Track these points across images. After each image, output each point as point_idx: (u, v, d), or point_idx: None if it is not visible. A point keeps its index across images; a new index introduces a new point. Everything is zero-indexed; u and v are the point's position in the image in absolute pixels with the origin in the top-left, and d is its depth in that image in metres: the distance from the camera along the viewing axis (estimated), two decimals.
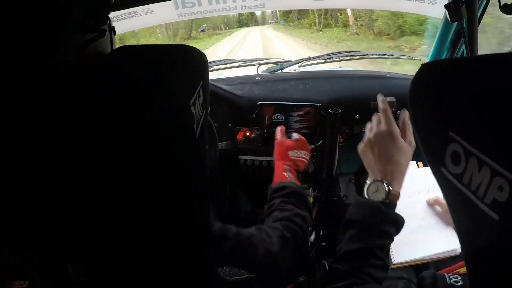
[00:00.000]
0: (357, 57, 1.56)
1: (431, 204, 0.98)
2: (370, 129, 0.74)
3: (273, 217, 0.75)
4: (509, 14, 0.75)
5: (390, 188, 0.64)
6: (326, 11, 14.38)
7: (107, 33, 0.38)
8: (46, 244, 0.29)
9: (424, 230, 0.92)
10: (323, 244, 1.17)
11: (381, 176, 0.67)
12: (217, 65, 1.47)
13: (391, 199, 0.65)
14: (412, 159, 1.17)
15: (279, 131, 1.01)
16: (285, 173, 0.88)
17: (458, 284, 0.57)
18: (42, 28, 0.31)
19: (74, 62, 0.34)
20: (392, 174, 0.67)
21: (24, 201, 0.26)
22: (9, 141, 0.25)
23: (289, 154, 0.94)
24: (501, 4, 0.76)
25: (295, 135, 1.01)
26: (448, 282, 0.59)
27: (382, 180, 0.66)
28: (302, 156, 0.95)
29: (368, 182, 0.69)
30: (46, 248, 0.30)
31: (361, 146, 0.75)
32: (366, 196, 0.66)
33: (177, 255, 0.35)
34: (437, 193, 0.98)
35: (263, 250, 0.60)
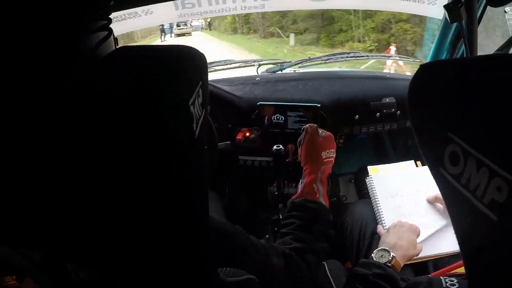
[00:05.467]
0: (357, 58, 1.56)
1: (431, 201, 0.99)
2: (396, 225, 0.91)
3: (284, 243, 0.66)
4: (496, 7, 0.75)
5: (394, 256, 0.77)
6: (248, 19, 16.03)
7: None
8: (49, 243, 0.29)
9: (425, 227, 0.93)
10: None
11: (389, 248, 0.80)
12: (217, 65, 1.48)
13: (394, 264, 0.76)
14: (411, 159, 1.18)
15: (314, 126, 0.85)
16: (315, 185, 0.75)
17: (454, 287, 0.57)
18: (52, 29, 0.31)
19: (85, 59, 0.34)
20: (399, 252, 0.80)
21: (25, 200, 0.26)
22: (9, 141, 0.25)
23: (322, 156, 0.80)
24: None
25: (321, 132, 0.85)
26: (444, 285, 0.59)
27: (388, 250, 0.79)
28: (331, 155, 0.82)
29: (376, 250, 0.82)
30: (49, 247, 0.30)
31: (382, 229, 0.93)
32: (374, 258, 0.78)
33: (177, 255, 0.35)
34: (436, 190, 0.98)
35: (264, 264, 0.57)
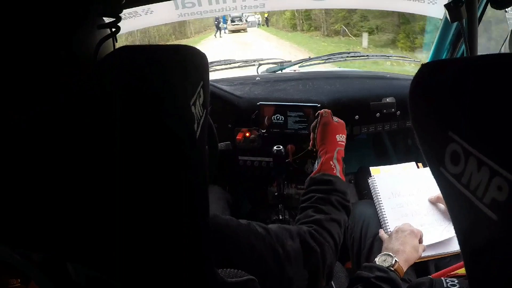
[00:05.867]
0: (357, 57, 1.56)
1: (433, 201, 0.99)
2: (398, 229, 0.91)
3: (306, 216, 0.68)
4: (500, 9, 0.75)
5: (397, 260, 0.78)
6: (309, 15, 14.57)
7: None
8: (49, 244, 0.29)
9: (427, 227, 0.93)
10: None
11: (392, 253, 0.80)
12: (217, 65, 1.47)
13: (396, 268, 0.76)
14: (412, 159, 1.18)
15: (326, 111, 0.90)
16: (332, 162, 0.79)
17: (455, 287, 0.58)
18: (58, 25, 0.31)
19: (90, 58, 0.34)
20: (402, 257, 0.80)
21: (25, 201, 0.26)
22: (9, 141, 0.25)
23: (337, 138, 0.85)
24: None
25: (335, 118, 0.91)
26: (445, 286, 0.59)
27: (391, 255, 0.80)
28: (344, 140, 0.87)
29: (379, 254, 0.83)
30: (50, 248, 0.30)
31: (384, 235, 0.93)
32: (376, 262, 0.79)
33: (177, 255, 0.35)
34: (438, 191, 0.98)
35: (273, 255, 0.56)
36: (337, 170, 0.79)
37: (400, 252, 0.81)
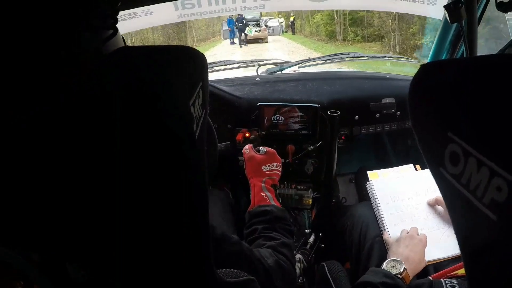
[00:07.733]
0: (357, 58, 1.56)
1: (432, 204, 0.98)
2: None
3: (258, 245, 0.71)
4: (505, 12, 0.75)
5: (405, 268, 0.77)
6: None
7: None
8: (48, 244, 0.29)
9: (426, 231, 0.92)
10: (322, 246, 1.17)
11: (402, 260, 0.80)
12: (217, 66, 1.47)
13: (404, 276, 0.76)
14: (411, 161, 1.18)
15: (247, 147, 0.99)
16: (263, 193, 0.85)
17: None
18: (58, 25, 0.31)
19: (90, 58, 0.34)
20: (411, 265, 0.80)
21: (24, 201, 0.26)
22: (9, 141, 0.25)
23: (263, 169, 0.93)
24: (497, 2, 0.76)
25: (263, 149, 0.99)
26: (445, 287, 0.59)
27: (401, 262, 0.79)
28: (275, 168, 0.94)
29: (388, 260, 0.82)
30: (48, 248, 0.30)
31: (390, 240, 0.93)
32: (384, 267, 0.78)
33: (176, 255, 0.35)
34: (437, 193, 0.98)
35: (261, 265, 0.60)
36: (270, 198, 0.84)
37: (411, 260, 0.80)
